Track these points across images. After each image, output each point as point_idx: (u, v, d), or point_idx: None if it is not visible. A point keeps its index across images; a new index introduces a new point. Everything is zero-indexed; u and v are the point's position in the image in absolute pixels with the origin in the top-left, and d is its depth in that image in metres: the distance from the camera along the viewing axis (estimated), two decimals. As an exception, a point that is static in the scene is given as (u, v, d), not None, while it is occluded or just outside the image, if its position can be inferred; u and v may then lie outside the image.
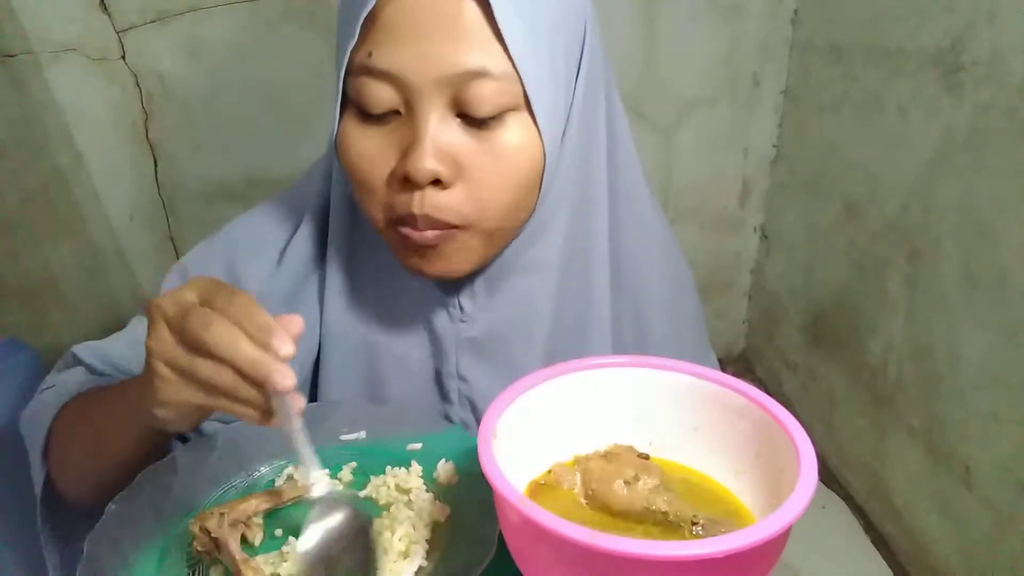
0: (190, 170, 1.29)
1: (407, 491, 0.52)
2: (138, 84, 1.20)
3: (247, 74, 1.23)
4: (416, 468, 0.54)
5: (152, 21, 1.17)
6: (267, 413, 0.42)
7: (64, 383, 0.61)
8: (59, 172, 1.20)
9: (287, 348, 0.40)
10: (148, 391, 0.44)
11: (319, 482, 0.43)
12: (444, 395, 0.62)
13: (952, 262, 1.03)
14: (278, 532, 0.50)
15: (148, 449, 0.53)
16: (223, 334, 0.40)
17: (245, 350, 0.40)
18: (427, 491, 0.52)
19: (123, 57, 1.18)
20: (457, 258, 0.52)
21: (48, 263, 1.25)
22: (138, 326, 0.65)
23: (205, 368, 0.41)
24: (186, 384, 0.42)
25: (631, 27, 1.36)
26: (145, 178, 1.27)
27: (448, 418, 0.63)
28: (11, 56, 1.11)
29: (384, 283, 0.60)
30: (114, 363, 0.63)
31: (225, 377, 0.41)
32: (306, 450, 0.43)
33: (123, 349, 0.63)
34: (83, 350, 0.63)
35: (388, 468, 0.54)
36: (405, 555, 0.46)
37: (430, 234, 0.50)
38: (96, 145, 1.22)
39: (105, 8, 1.14)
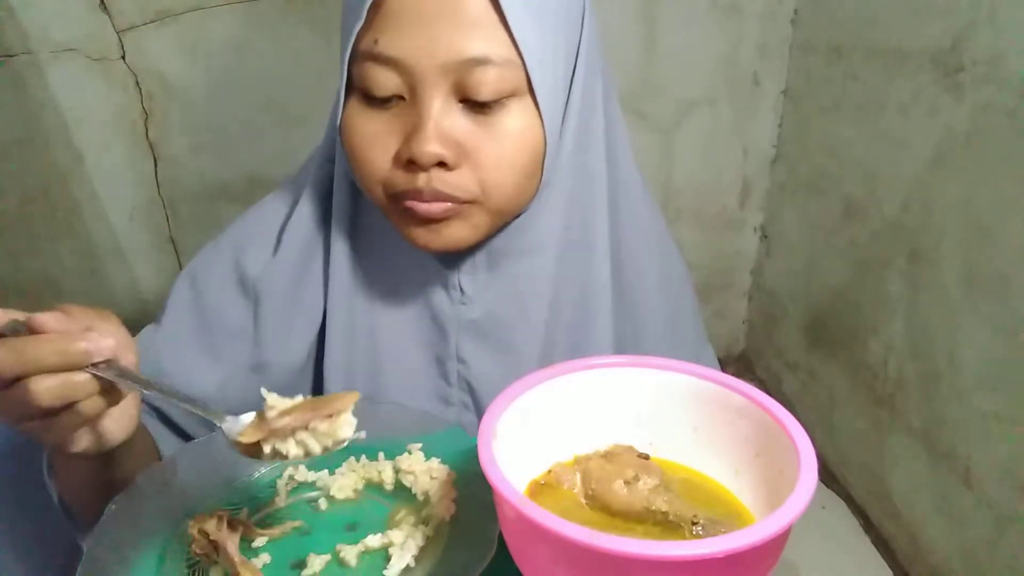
0: (190, 170, 1.29)
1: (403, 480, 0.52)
2: (138, 84, 1.20)
3: (247, 74, 1.23)
4: (418, 455, 0.54)
5: (152, 21, 1.17)
6: (105, 391, 0.42)
7: None
8: (59, 172, 1.21)
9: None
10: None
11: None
12: (444, 376, 0.62)
13: (952, 262, 1.03)
14: (278, 532, 0.50)
15: (117, 467, 0.52)
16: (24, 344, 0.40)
17: (43, 344, 0.40)
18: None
19: (123, 57, 1.18)
20: (460, 231, 0.53)
21: (48, 263, 1.26)
22: (143, 337, 0.62)
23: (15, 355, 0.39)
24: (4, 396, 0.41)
25: (631, 27, 1.36)
26: (145, 178, 1.27)
27: (447, 400, 0.63)
28: (11, 56, 1.11)
29: (387, 264, 0.61)
30: None
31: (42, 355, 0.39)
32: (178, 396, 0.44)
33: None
34: None
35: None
36: (415, 524, 0.47)
37: (436, 207, 0.51)
38: (96, 145, 1.22)
39: (105, 8, 1.14)
